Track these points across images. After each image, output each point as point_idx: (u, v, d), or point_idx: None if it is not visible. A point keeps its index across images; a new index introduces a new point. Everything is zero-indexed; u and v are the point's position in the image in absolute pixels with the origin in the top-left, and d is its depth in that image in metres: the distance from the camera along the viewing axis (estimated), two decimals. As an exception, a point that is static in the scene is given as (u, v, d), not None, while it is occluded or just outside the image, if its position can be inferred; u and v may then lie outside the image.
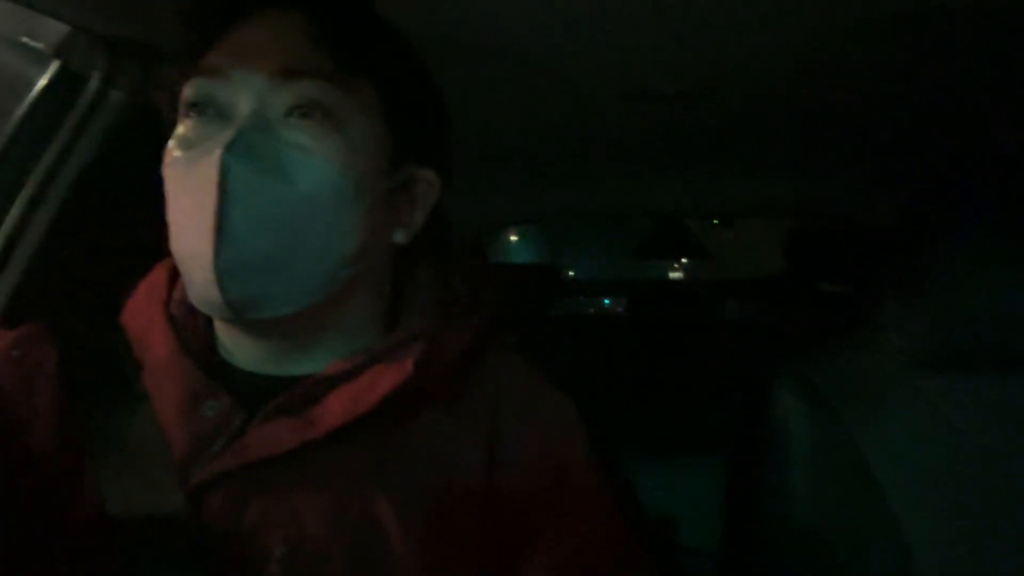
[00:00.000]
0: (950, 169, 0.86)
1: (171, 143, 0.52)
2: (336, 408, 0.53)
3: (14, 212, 0.76)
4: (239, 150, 0.48)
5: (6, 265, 0.76)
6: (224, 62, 0.51)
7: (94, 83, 0.80)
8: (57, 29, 0.76)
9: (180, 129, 0.53)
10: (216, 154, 0.48)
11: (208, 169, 0.48)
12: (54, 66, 0.78)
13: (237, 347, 0.57)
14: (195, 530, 0.50)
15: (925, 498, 0.78)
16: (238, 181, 0.48)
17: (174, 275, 0.60)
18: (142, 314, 0.60)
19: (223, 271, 0.48)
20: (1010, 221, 0.77)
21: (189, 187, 0.49)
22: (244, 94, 0.51)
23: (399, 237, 0.59)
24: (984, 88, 0.95)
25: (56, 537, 0.51)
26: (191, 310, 0.58)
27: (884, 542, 0.78)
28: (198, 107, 0.52)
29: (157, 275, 0.61)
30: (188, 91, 0.53)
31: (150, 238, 0.54)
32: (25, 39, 0.76)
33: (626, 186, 1.65)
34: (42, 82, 0.78)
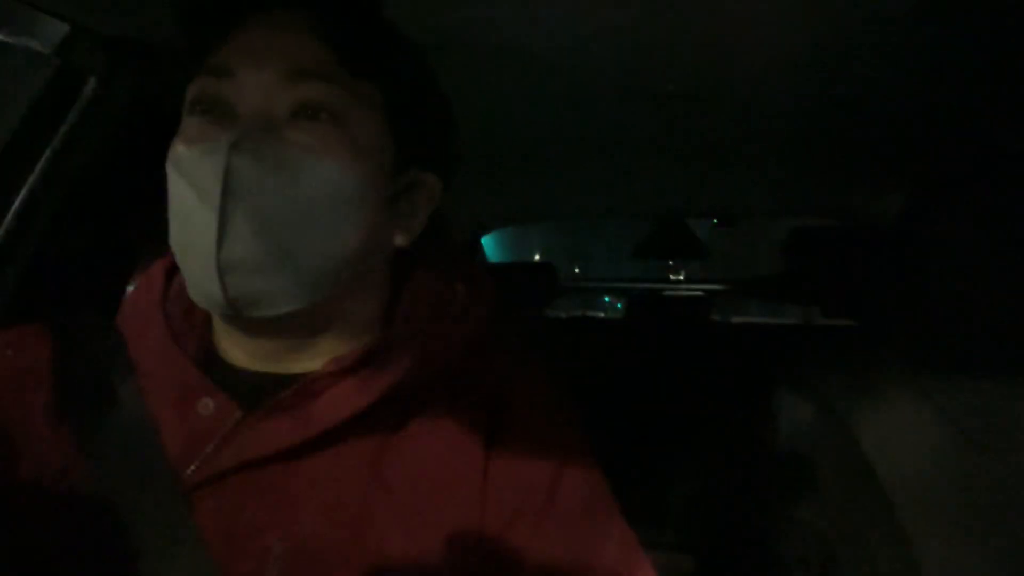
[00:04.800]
0: (950, 169, 0.86)
1: (176, 139, 0.53)
2: (333, 406, 0.53)
3: (14, 211, 0.76)
4: (245, 148, 0.48)
5: (6, 265, 0.76)
6: (231, 61, 0.52)
7: (93, 82, 0.80)
8: (57, 28, 0.76)
9: (185, 126, 0.53)
10: (222, 151, 0.48)
11: (214, 165, 0.48)
12: (53, 65, 0.78)
13: (233, 345, 0.57)
14: (191, 529, 0.50)
15: (926, 497, 0.78)
16: (242, 178, 0.48)
17: (171, 273, 0.60)
18: (138, 312, 0.60)
19: (225, 267, 0.48)
20: (1010, 221, 0.77)
21: (193, 182, 0.49)
22: (250, 93, 0.51)
23: (399, 240, 0.59)
24: (984, 88, 0.94)
25: (50, 537, 0.51)
26: (187, 308, 0.58)
27: (885, 542, 0.78)
28: (204, 105, 0.52)
29: (154, 273, 0.61)
30: (194, 89, 0.53)
31: (149, 237, 0.54)
32: (25, 38, 0.76)
33: (626, 186, 1.65)
34: (42, 81, 0.78)
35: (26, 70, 0.78)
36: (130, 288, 0.73)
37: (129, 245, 0.78)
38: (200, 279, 0.50)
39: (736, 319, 3.16)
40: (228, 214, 0.48)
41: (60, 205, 0.78)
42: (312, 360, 0.56)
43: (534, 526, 0.55)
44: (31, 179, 0.77)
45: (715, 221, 2.30)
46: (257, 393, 0.54)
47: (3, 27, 0.73)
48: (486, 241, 2.37)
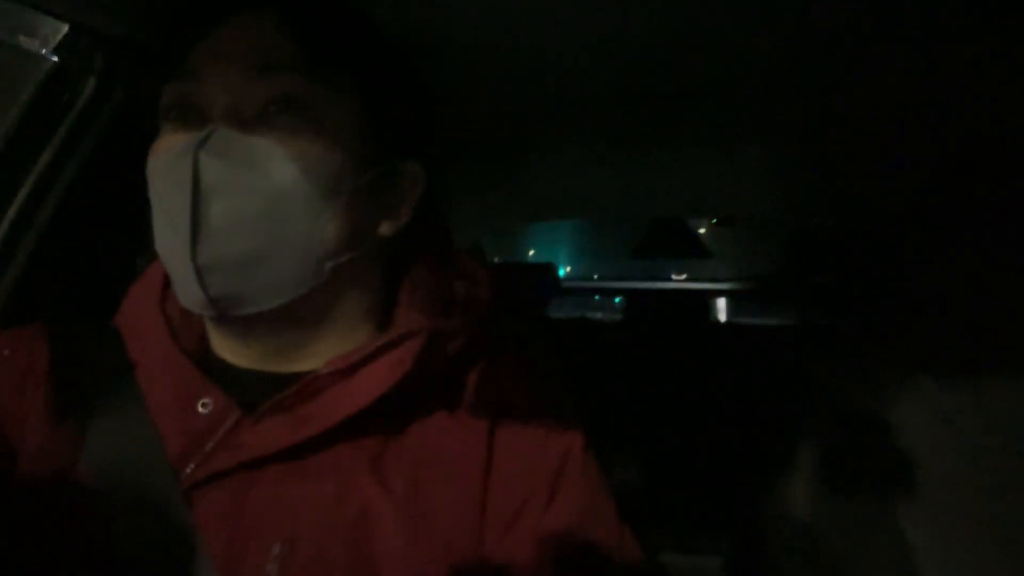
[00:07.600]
0: (950, 170, 0.86)
1: (153, 148, 0.53)
2: (332, 406, 0.53)
3: (12, 211, 0.76)
4: (212, 147, 0.49)
5: (5, 265, 0.76)
6: (199, 64, 0.52)
7: (92, 82, 0.80)
8: (56, 28, 0.76)
9: (161, 134, 0.54)
10: (190, 152, 0.48)
11: (182, 168, 0.49)
12: (52, 65, 0.78)
13: (232, 345, 0.57)
14: (190, 529, 0.50)
15: (929, 501, 0.78)
16: (212, 177, 0.49)
17: None
18: (137, 312, 0.60)
19: (202, 267, 0.49)
20: (1010, 221, 0.77)
21: (167, 187, 0.50)
22: (219, 93, 0.52)
23: (385, 230, 0.59)
24: (984, 88, 0.94)
25: (49, 538, 0.51)
26: (186, 308, 0.58)
27: (888, 545, 0.78)
28: (176, 111, 0.53)
29: (153, 273, 0.61)
30: (166, 96, 0.54)
31: (147, 238, 0.54)
32: (24, 38, 0.76)
33: (625, 186, 1.65)
34: (40, 81, 0.78)
35: (25, 70, 0.78)
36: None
37: (128, 245, 0.78)
38: (182, 282, 0.51)
39: (736, 319, 3.16)
40: (201, 215, 0.48)
41: (59, 205, 0.78)
42: (312, 359, 0.56)
43: (535, 526, 0.55)
44: (30, 179, 0.77)
45: (715, 221, 2.31)
46: (257, 393, 0.54)
47: (3, 27, 0.74)
48: (487, 241, 2.37)
